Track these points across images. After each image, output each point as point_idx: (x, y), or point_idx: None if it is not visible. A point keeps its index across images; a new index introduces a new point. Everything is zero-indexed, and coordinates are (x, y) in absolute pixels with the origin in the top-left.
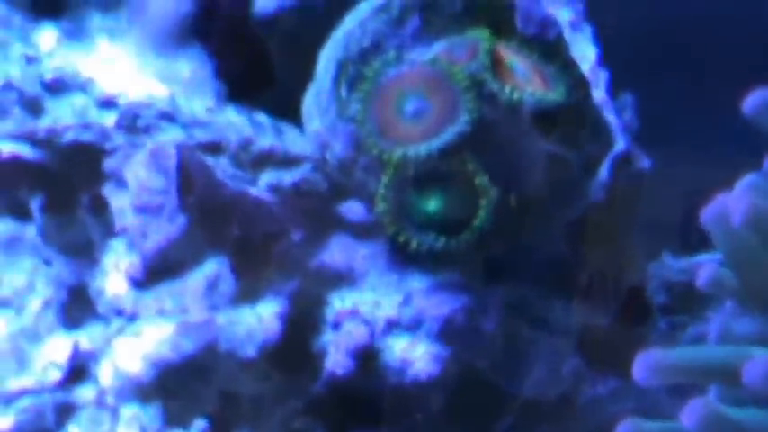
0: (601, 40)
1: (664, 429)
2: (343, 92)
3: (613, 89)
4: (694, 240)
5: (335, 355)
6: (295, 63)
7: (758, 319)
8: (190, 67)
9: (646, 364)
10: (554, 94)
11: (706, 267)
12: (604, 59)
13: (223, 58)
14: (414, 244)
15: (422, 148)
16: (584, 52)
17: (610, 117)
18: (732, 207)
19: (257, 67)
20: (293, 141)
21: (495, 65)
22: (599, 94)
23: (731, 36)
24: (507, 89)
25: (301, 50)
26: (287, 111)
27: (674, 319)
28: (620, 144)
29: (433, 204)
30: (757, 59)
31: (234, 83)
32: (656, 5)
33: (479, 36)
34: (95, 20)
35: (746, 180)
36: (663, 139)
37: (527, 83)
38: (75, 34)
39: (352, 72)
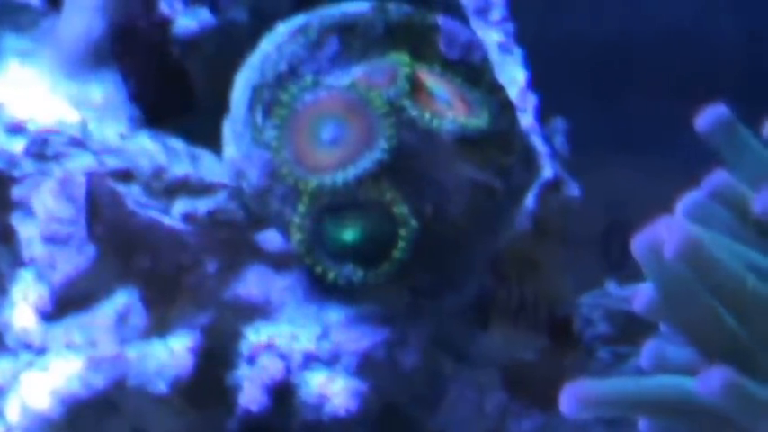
0: (531, 60)
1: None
2: (259, 118)
3: (546, 113)
4: (616, 254)
5: (250, 391)
6: (218, 85)
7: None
8: (103, 91)
9: (574, 396)
10: (477, 121)
11: (642, 292)
12: (535, 82)
13: (141, 81)
14: (330, 276)
15: (338, 177)
16: (514, 75)
17: (538, 143)
18: (665, 238)
19: (177, 90)
20: (209, 168)
21: (415, 90)
22: (527, 119)
23: (662, 52)
24: (427, 115)
25: (224, 72)
26: (210, 134)
27: (617, 349)
28: (547, 171)
29: (350, 234)
30: (683, 71)
31: (152, 106)
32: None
33: (399, 60)
34: (8, 41)
35: (688, 201)
36: (584, 148)
37: (449, 108)
38: None
39: (268, 97)
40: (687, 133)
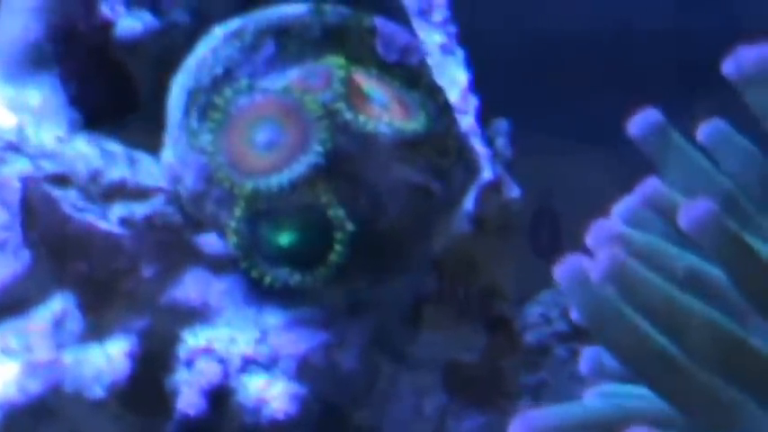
0: (474, 62)
1: None
2: (195, 122)
3: (486, 115)
4: (544, 241)
5: (188, 395)
6: (162, 87)
7: None
8: (41, 94)
9: (523, 427)
10: (414, 123)
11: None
12: (477, 84)
13: (82, 83)
14: (267, 279)
15: (273, 180)
16: (455, 77)
17: (477, 145)
18: (590, 261)
19: (120, 93)
20: (148, 172)
21: (351, 93)
22: (468, 120)
23: (598, 51)
24: (362, 119)
25: (168, 74)
26: (154, 136)
27: (573, 347)
28: (487, 173)
29: (286, 238)
30: (615, 69)
31: (94, 109)
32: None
33: (335, 63)
34: None
35: (622, 207)
36: (522, 131)
37: (385, 111)
38: None
39: (204, 101)
40: (614, 126)
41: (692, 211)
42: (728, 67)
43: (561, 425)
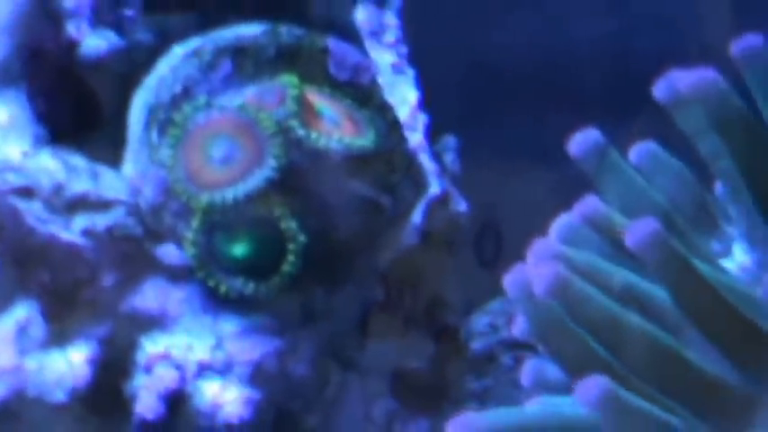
0: (424, 82)
1: None
2: (155, 137)
3: (436, 132)
4: (488, 252)
5: (146, 399)
6: (125, 103)
7: None
8: (8, 110)
9: (460, 428)
10: (363, 140)
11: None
12: (426, 102)
13: (48, 100)
14: (222, 289)
15: (228, 194)
16: (405, 96)
17: (426, 161)
18: (534, 276)
19: (84, 109)
20: (109, 185)
21: (304, 111)
22: (416, 137)
23: (542, 72)
24: (314, 135)
25: (131, 90)
26: (118, 151)
27: (519, 354)
28: (434, 187)
29: (241, 249)
30: (557, 89)
31: (60, 125)
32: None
33: (289, 82)
34: None
35: (560, 224)
36: (469, 148)
37: (336, 128)
38: None
39: (163, 117)
40: (557, 144)
41: (638, 230)
42: (659, 90)
43: (497, 428)
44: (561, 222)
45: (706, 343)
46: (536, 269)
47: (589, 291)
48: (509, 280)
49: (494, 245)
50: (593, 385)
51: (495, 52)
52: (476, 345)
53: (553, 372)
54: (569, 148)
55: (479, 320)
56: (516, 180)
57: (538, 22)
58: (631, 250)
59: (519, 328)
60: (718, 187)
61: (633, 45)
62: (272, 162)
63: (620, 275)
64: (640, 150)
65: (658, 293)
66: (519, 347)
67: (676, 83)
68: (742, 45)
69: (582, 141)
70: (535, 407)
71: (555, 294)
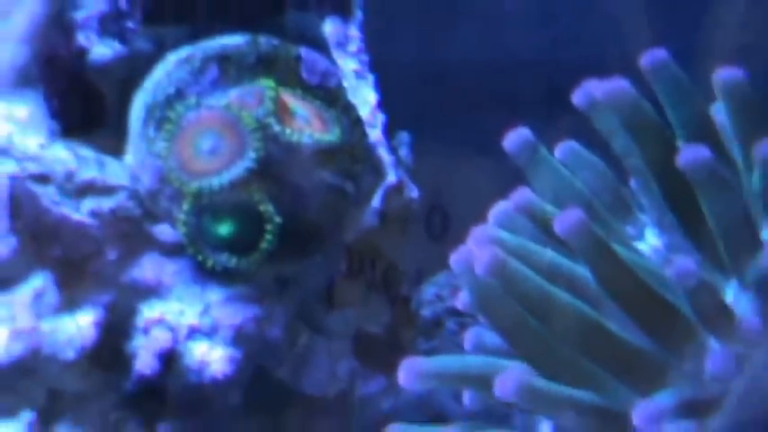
0: (382, 85)
1: None
2: (152, 132)
3: (393, 128)
4: (437, 228)
5: (144, 357)
6: (126, 104)
7: None
8: (27, 109)
9: (409, 370)
10: (330, 135)
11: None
12: (384, 103)
13: (61, 100)
14: (209, 263)
15: (214, 181)
16: (366, 97)
17: (383, 153)
18: (475, 257)
19: (92, 108)
20: (113, 173)
21: (280, 110)
22: (376, 133)
23: (483, 77)
24: (288, 131)
25: (132, 92)
26: (120, 143)
27: (462, 320)
28: (391, 177)
29: (225, 229)
30: (497, 92)
31: (71, 121)
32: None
33: (267, 85)
34: None
35: (497, 211)
36: (422, 142)
37: (307, 125)
38: None
39: (159, 115)
40: (492, 138)
41: (565, 218)
42: (577, 96)
43: (441, 371)
44: (498, 210)
45: (623, 315)
46: (477, 251)
47: (522, 269)
48: (454, 260)
49: (441, 222)
50: (511, 379)
51: (444, 61)
52: (425, 312)
53: (490, 338)
54: (504, 144)
55: (428, 291)
56: (461, 168)
57: (480, 36)
58: (559, 235)
59: (462, 300)
60: (632, 180)
61: (559, 57)
62: (252, 154)
63: (549, 256)
64: (564, 148)
65: (581, 272)
66: (462, 315)
67: (593, 91)
68: (650, 58)
69: (515, 138)
70: (473, 356)
71: (493, 273)
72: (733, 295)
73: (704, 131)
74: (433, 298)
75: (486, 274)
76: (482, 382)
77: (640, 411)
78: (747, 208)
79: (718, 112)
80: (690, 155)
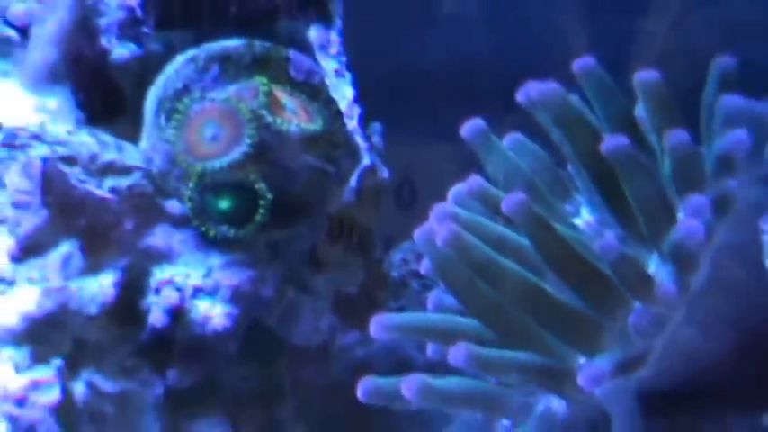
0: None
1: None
2: (163, 121)
3: (367, 119)
4: (405, 200)
5: (156, 313)
6: (141, 97)
7: None
8: (57, 100)
9: (379, 324)
10: (314, 125)
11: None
12: (360, 98)
13: (86, 94)
14: (212, 233)
15: (216, 163)
16: (344, 93)
17: (359, 141)
18: (436, 231)
19: (112, 100)
20: (130, 155)
21: (272, 103)
22: (352, 123)
23: (449, 76)
24: (279, 121)
25: (146, 87)
26: (136, 131)
27: (425, 282)
28: (366, 160)
29: (225, 204)
30: (462, 88)
31: (94, 112)
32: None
33: (260, 82)
34: None
35: (455, 192)
36: (393, 130)
37: (295, 116)
38: None
39: (169, 107)
40: (452, 126)
41: (511, 199)
42: (520, 95)
43: (406, 325)
44: (455, 190)
45: (561, 283)
46: (437, 226)
47: (475, 242)
48: (417, 234)
49: (409, 194)
50: (460, 349)
51: (411, 62)
52: (393, 273)
53: (449, 300)
54: (461, 132)
55: (396, 256)
56: (426, 150)
57: (442, 41)
58: (505, 213)
59: (424, 267)
60: (569, 165)
61: (510, 59)
62: (248, 140)
63: (498, 230)
64: (511, 138)
65: (525, 244)
66: (424, 278)
67: (530, 90)
68: (580, 63)
69: (470, 127)
70: (434, 314)
71: (451, 245)
72: (654, 266)
73: (626, 124)
74: (400, 262)
75: (445, 246)
76: (441, 335)
77: (584, 373)
78: (663, 189)
79: (640, 110)
80: (611, 143)
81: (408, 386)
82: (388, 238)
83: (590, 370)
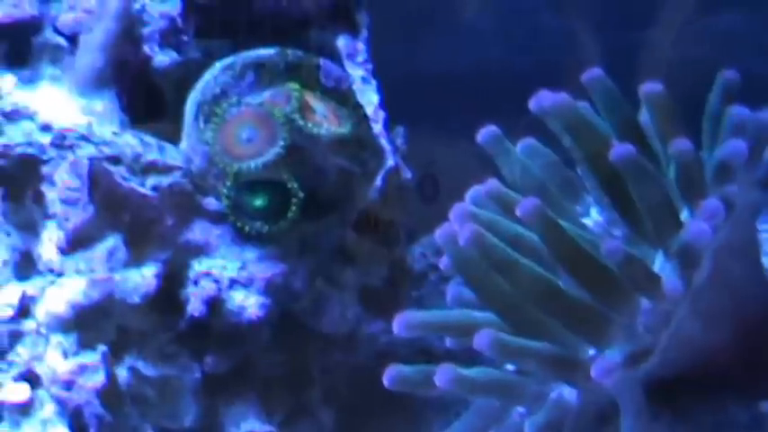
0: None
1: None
2: (201, 124)
3: (391, 123)
4: (428, 194)
5: (194, 303)
6: (181, 101)
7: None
8: (103, 103)
9: (403, 322)
10: (343, 129)
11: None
12: (385, 103)
13: (130, 97)
14: (247, 229)
15: (252, 164)
16: (370, 98)
17: (384, 143)
18: (458, 230)
19: (154, 104)
20: (171, 155)
21: (303, 108)
22: (378, 127)
23: (469, 81)
24: (310, 124)
25: (185, 92)
26: (176, 133)
27: (442, 275)
28: (390, 161)
29: (259, 201)
30: (479, 93)
31: (137, 114)
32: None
33: (293, 88)
34: (45, 69)
35: (473, 193)
36: (415, 133)
37: (325, 120)
38: (31, 79)
39: (207, 110)
40: (471, 130)
41: (525, 204)
42: (532, 103)
43: (428, 322)
44: (473, 191)
45: (572, 280)
46: (459, 226)
47: (495, 241)
48: (439, 233)
49: (432, 188)
50: (485, 335)
51: (433, 70)
52: (414, 266)
53: (467, 293)
54: (477, 138)
55: (415, 250)
56: (448, 149)
57: (461, 51)
58: (521, 217)
59: (444, 263)
60: (579, 168)
61: (524, 68)
62: (281, 142)
63: (514, 230)
64: (524, 142)
65: (539, 243)
66: (442, 271)
67: (542, 100)
68: (588, 75)
69: (486, 133)
70: (454, 310)
71: (472, 243)
72: (659, 264)
73: (631, 130)
74: (419, 256)
75: (467, 245)
76: (460, 331)
77: (597, 365)
78: (667, 192)
79: (644, 116)
80: (620, 151)
81: (441, 375)
82: (411, 231)
83: (602, 362)
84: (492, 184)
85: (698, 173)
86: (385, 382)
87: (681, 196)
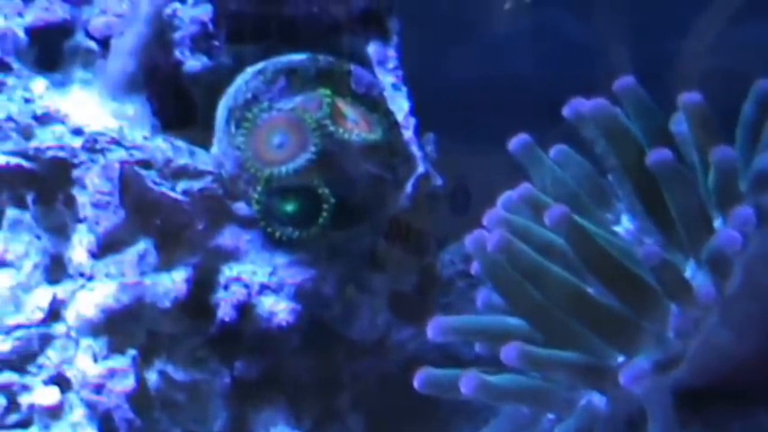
0: (414, 96)
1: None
2: (233, 128)
3: (422, 130)
4: (459, 205)
5: (225, 308)
6: (212, 106)
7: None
8: (134, 107)
9: (436, 327)
10: (374, 135)
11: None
12: (415, 110)
13: (160, 102)
14: (277, 234)
15: (283, 169)
16: (401, 105)
17: (415, 149)
18: (487, 237)
19: (185, 108)
20: (202, 160)
21: (334, 113)
22: (408, 133)
23: (496, 91)
24: (341, 130)
25: (216, 97)
26: (206, 138)
27: (470, 282)
28: (421, 168)
29: (290, 207)
30: (509, 103)
31: (168, 119)
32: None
33: (324, 93)
34: (76, 73)
35: (505, 198)
36: (445, 140)
37: (356, 126)
38: (62, 83)
39: (239, 116)
40: (503, 139)
41: (553, 212)
42: (567, 110)
43: (461, 327)
44: (505, 197)
45: (602, 287)
46: (489, 232)
47: (523, 247)
48: (469, 239)
49: (463, 199)
50: (512, 349)
51: (463, 77)
52: (443, 273)
53: (496, 298)
54: (509, 146)
55: (444, 257)
56: (479, 159)
57: (493, 58)
58: (549, 225)
59: (474, 268)
60: (610, 176)
61: (556, 76)
62: (312, 148)
63: (546, 236)
64: (556, 149)
65: (569, 251)
66: (470, 277)
67: (579, 106)
68: (620, 83)
69: (517, 142)
70: (485, 316)
71: (501, 250)
72: (691, 271)
73: (663, 140)
74: (448, 263)
75: (495, 251)
76: (491, 337)
77: (626, 372)
78: (702, 200)
79: (676, 124)
80: (657, 155)
81: (466, 383)
82: (442, 240)
83: (631, 369)
84: (524, 188)
85: (735, 183)
86: (415, 384)
87: (716, 205)
